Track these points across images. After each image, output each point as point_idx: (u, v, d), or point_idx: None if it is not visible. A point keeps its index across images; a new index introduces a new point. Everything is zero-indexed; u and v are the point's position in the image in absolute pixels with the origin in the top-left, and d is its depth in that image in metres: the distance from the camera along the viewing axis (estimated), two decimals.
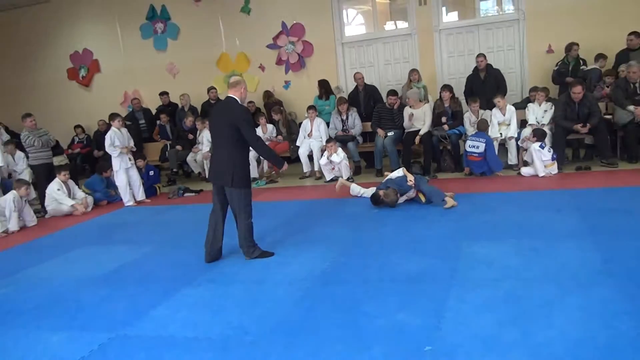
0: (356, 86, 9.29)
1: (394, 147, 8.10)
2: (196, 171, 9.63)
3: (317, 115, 8.84)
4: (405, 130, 8.11)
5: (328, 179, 8.18)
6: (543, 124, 7.50)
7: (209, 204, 7.72)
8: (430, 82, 9.52)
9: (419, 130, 7.94)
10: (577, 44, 8.19)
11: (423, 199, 6.08)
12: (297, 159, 8.94)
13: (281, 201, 7.30)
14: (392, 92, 8.43)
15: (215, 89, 10.25)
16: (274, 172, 8.96)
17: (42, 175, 8.19)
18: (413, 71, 9.08)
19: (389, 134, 8.16)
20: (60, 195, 7.73)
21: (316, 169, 8.56)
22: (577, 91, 7.09)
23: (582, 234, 4.53)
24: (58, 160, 9.01)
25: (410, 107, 8.11)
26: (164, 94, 10.70)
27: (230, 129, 4.53)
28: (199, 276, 4.46)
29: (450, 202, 5.85)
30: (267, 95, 10.42)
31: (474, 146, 7.26)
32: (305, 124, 8.82)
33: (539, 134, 7.05)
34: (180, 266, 4.80)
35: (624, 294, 3.28)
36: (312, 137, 8.67)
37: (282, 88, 10.77)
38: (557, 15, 8.89)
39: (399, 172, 6.46)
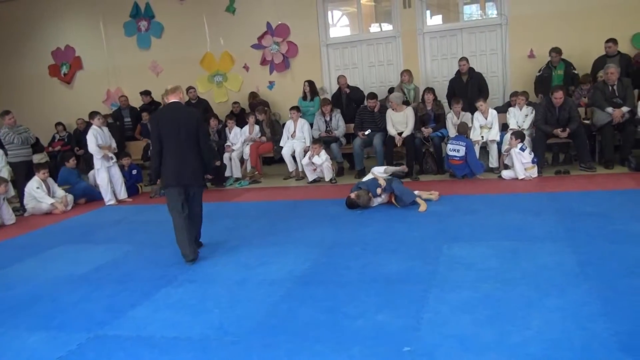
0: (339, 88, 9.31)
1: (382, 148, 8.12)
2: None
3: (301, 116, 8.85)
4: (388, 133, 8.11)
5: (310, 179, 8.19)
6: (524, 129, 7.59)
7: None
8: (417, 85, 9.57)
9: (402, 132, 7.98)
10: (558, 51, 8.28)
11: (397, 204, 6.11)
12: (281, 160, 8.93)
13: (264, 201, 7.30)
14: (372, 95, 8.46)
15: (194, 88, 10.19)
16: (257, 172, 8.95)
17: (22, 173, 8.09)
18: (405, 72, 9.03)
19: (366, 132, 8.20)
20: (39, 193, 7.64)
21: (299, 169, 8.57)
22: (558, 96, 7.20)
23: (560, 236, 4.60)
24: (38, 158, 8.89)
25: (392, 110, 8.11)
26: (145, 93, 10.61)
27: (193, 130, 4.77)
28: (179, 276, 4.45)
29: (422, 206, 5.90)
30: (253, 95, 10.42)
31: (454, 150, 7.32)
32: (289, 125, 8.82)
33: (517, 135, 7.14)
34: (161, 266, 4.77)
35: (598, 296, 3.34)
36: (295, 137, 8.67)
37: (266, 88, 10.75)
38: (538, 21, 9.00)
39: (370, 175, 6.52)
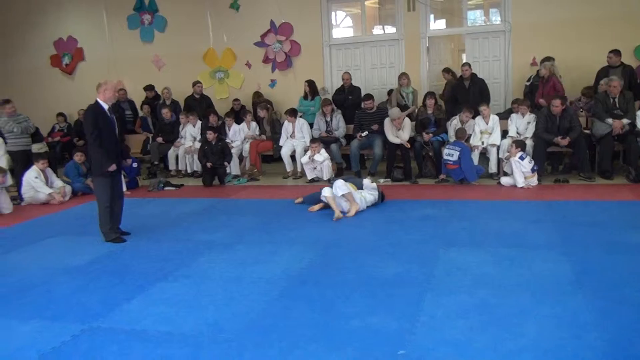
0: (342, 85, 9.33)
1: (381, 154, 8.15)
2: (173, 168, 9.48)
3: (300, 116, 8.84)
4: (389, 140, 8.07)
5: (309, 178, 8.19)
6: (526, 137, 7.58)
7: (188, 198, 7.71)
8: (415, 88, 9.56)
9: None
10: (553, 59, 8.27)
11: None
12: (281, 158, 8.92)
13: (262, 199, 7.29)
14: (367, 97, 8.48)
15: (200, 83, 10.21)
16: (256, 170, 8.95)
17: (20, 162, 8.06)
18: (403, 75, 9.02)
19: (363, 134, 8.21)
20: (37, 183, 7.62)
21: (298, 168, 8.56)
22: (556, 104, 7.22)
23: (557, 245, 4.60)
24: (37, 148, 8.84)
25: (393, 125, 8.01)
26: (149, 88, 10.56)
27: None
28: (175, 271, 4.44)
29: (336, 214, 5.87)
30: (257, 95, 10.44)
31: (449, 154, 7.31)
32: (287, 126, 8.80)
33: (518, 143, 7.15)
34: (157, 260, 4.76)
35: (592, 305, 3.35)
36: (295, 137, 8.67)
37: (268, 87, 10.74)
38: (541, 29, 9.00)
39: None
